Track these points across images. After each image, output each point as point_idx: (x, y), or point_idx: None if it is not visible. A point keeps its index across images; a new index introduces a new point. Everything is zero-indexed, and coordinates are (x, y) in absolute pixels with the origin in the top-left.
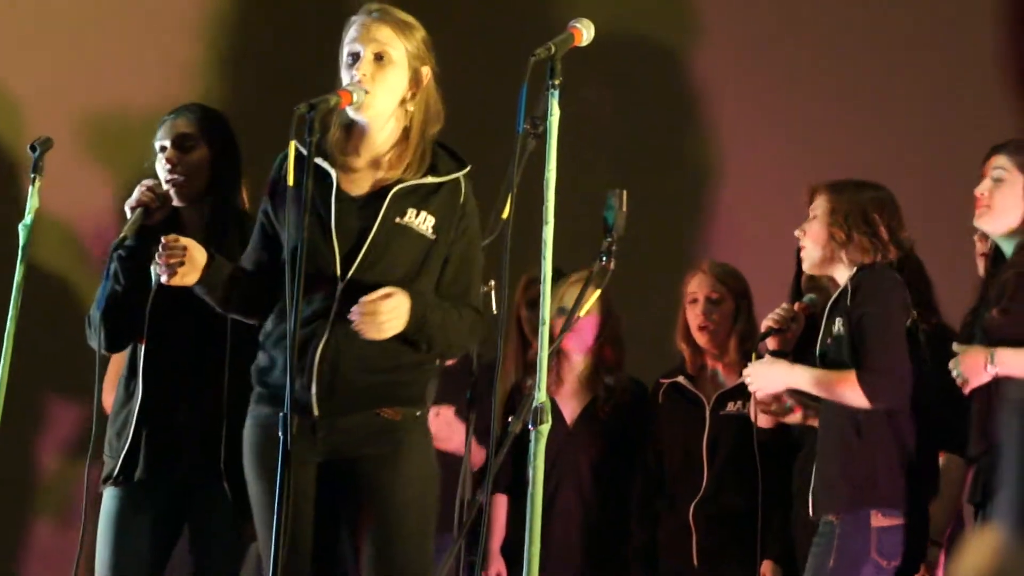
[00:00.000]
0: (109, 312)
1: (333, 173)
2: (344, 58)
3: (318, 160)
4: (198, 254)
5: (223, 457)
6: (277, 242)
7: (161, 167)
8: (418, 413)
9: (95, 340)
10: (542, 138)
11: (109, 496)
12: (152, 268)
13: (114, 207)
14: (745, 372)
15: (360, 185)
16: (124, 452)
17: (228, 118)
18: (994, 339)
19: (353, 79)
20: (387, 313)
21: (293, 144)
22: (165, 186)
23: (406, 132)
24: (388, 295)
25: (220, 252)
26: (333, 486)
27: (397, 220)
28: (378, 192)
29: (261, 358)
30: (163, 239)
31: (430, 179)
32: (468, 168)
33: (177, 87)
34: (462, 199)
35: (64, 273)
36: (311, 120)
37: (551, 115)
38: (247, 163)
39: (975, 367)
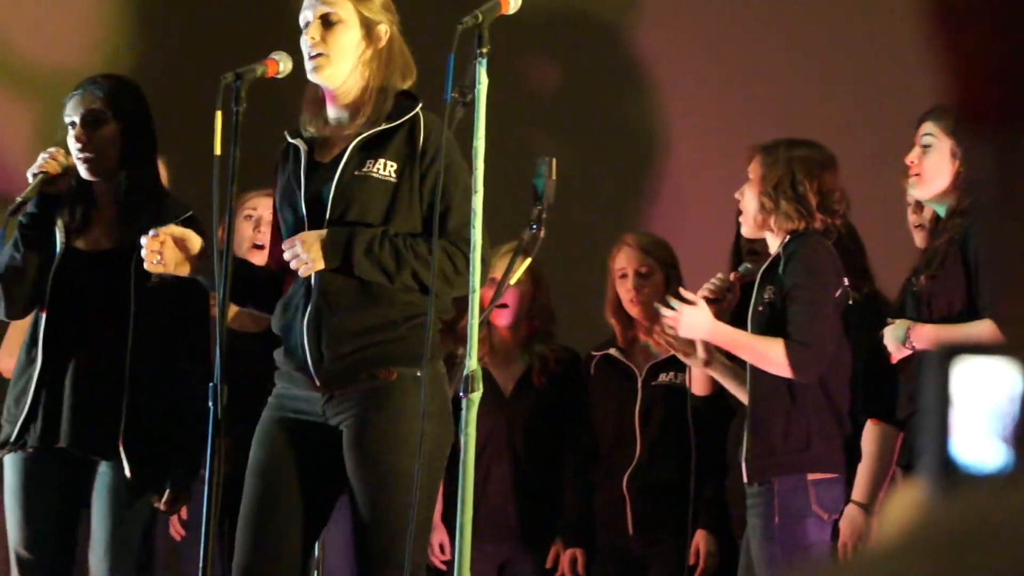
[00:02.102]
0: (7, 279)
1: (302, 147)
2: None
3: (290, 139)
4: (193, 245)
5: (122, 432)
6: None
7: (72, 144)
8: (418, 373)
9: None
10: (470, 107)
11: (9, 463)
12: (57, 236)
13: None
14: (670, 313)
15: (331, 150)
16: (21, 419)
17: (140, 85)
18: (923, 306)
19: (305, 47)
20: (304, 243)
21: (219, 115)
22: (76, 163)
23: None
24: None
25: (131, 230)
26: (329, 454)
27: (356, 172)
28: (342, 152)
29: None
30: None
31: (384, 125)
32: (419, 105)
33: (90, 50)
34: (422, 136)
35: None
36: (237, 89)
37: (480, 84)
38: (173, 131)
39: (894, 341)
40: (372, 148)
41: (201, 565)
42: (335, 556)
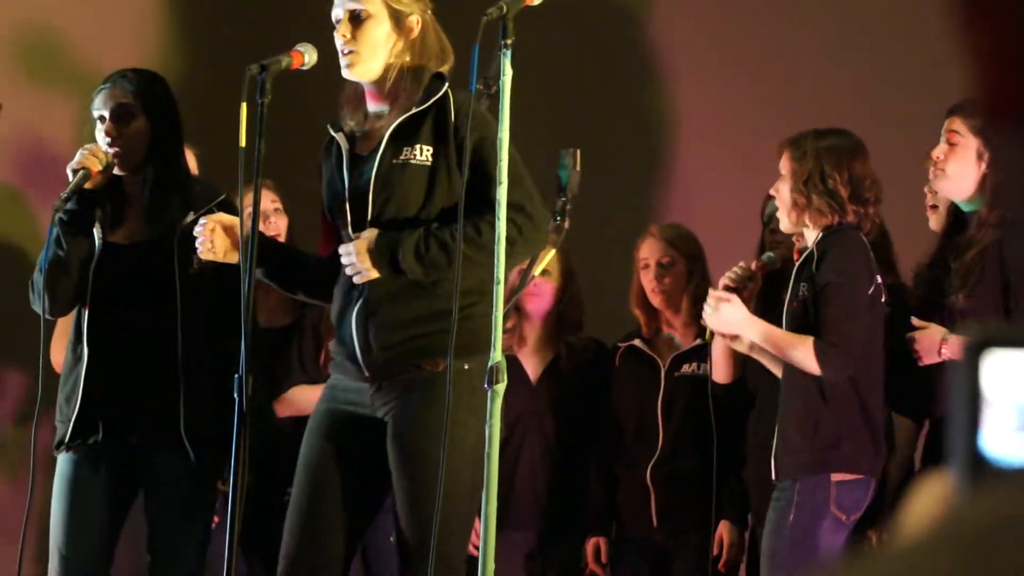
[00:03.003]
0: (51, 277)
1: (343, 142)
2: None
3: (332, 133)
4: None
5: (183, 419)
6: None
7: (100, 138)
8: (466, 366)
9: (38, 304)
10: (495, 98)
11: (62, 462)
12: (95, 232)
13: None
14: (708, 304)
15: (370, 142)
16: (74, 417)
17: (167, 78)
18: (960, 323)
19: (338, 44)
20: (357, 253)
21: (244, 106)
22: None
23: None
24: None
25: (162, 221)
26: (377, 445)
27: (394, 160)
28: (380, 142)
29: None
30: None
31: (415, 110)
32: (447, 84)
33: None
34: (452, 114)
35: (7, 235)
36: (262, 81)
37: (504, 75)
38: (199, 121)
39: (931, 348)
40: (406, 135)
41: (227, 554)
42: (377, 558)
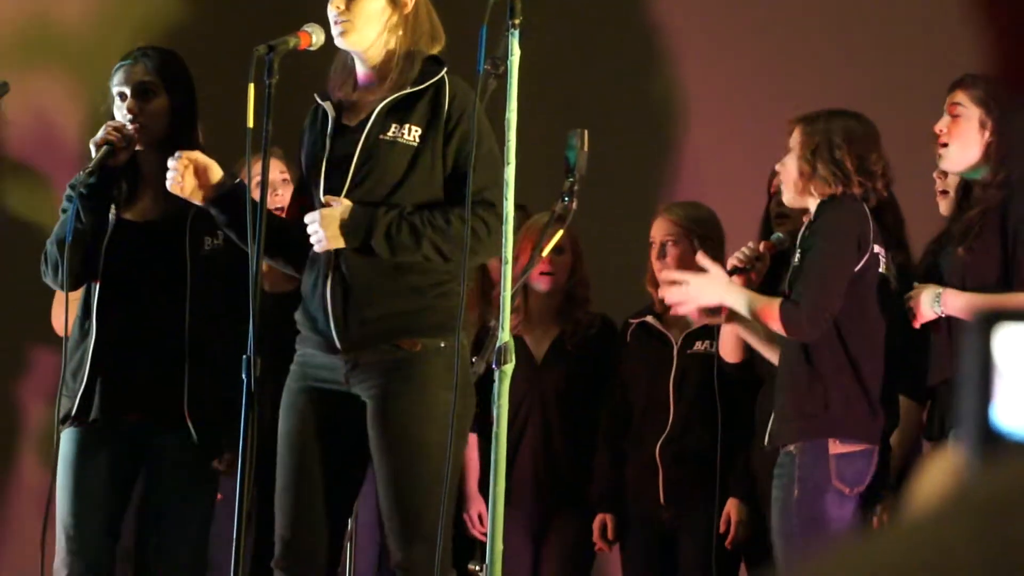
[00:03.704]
0: (71, 251)
1: (330, 110)
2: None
3: (319, 101)
4: (213, 175)
5: (186, 399)
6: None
7: (121, 115)
8: (442, 344)
9: (54, 277)
10: (503, 78)
11: (67, 438)
12: (111, 208)
13: (80, 150)
14: (680, 277)
15: (358, 114)
16: (80, 393)
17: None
18: (957, 277)
19: (331, 14)
20: (323, 220)
21: (252, 87)
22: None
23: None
24: (326, 203)
25: (176, 200)
26: (355, 423)
27: (380, 136)
28: (368, 115)
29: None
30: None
31: (410, 89)
32: (444, 68)
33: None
34: (447, 100)
35: (36, 217)
36: (270, 61)
37: (512, 55)
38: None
39: (926, 305)
40: (398, 112)
41: (236, 534)
42: (363, 529)
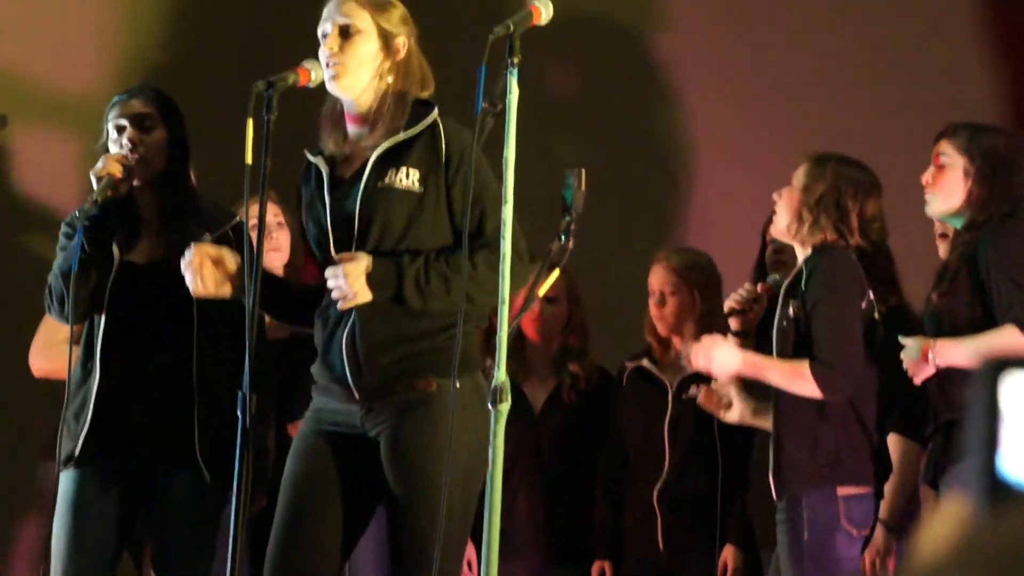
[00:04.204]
0: (76, 282)
1: (323, 166)
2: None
3: (310, 158)
4: (229, 264)
5: (197, 441)
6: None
7: (117, 147)
8: (456, 384)
9: (60, 310)
10: (501, 117)
11: (67, 480)
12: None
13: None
14: (694, 348)
15: (352, 165)
16: (84, 433)
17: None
18: (941, 323)
19: (323, 59)
20: (350, 276)
21: (250, 123)
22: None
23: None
24: (345, 259)
25: (183, 237)
26: (369, 466)
27: (379, 184)
28: (364, 165)
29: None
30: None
31: (402, 135)
32: (435, 110)
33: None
34: (444, 142)
35: (33, 250)
36: (269, 98)
37: (510, 94)
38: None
39: (917, 362)
40: (392, 158)
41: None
42: (364, 567)
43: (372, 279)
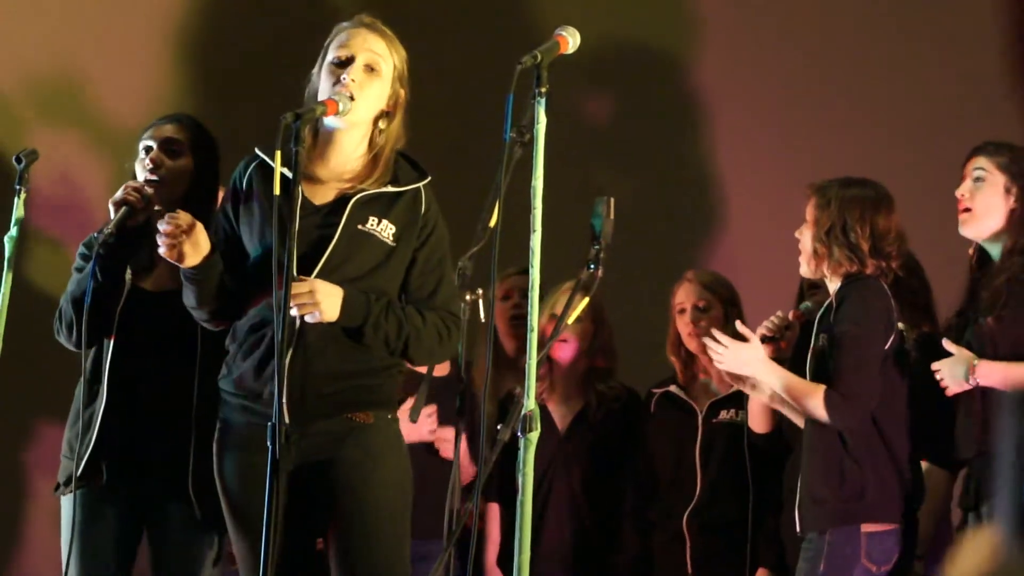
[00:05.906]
0: (91, 309)
1: (301, 187)
2: (329, 60)
3: (283, 170)
4: (203, 239)
5: (191, 471)
6: (239, 247)
7: (142, 167)
8: (389, 416)
9: (68, 335)
10: (529, 146)
11: (68, 503)
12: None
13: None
14: (715, 344)
15: (324, 194)
16: (87, 456)
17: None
18: (987, 346)
19: (342, 80)
20: (321, 292)
21: (278, 154)
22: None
23: (372, 146)
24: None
25: None
26: (305, 492)
27: (359, 227)
28: (340, 200)
29: (232, 367)
30: (168, 215)
31: (390, 188)
32: (428, 179)
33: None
34: (423, 208)
35: (54, 289)
36: (296, 130)
37: (538, 123)
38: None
39: (956, 376)
40: (375, 206)
41: None
42: None
43: (346, 305)
